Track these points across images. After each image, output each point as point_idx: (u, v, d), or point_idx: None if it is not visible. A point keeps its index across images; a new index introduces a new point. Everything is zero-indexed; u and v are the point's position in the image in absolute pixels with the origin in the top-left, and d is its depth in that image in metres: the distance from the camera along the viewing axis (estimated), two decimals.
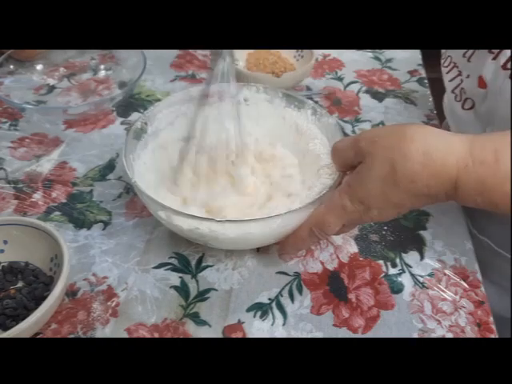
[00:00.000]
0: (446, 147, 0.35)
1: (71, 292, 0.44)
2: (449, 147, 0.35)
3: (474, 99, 0.50)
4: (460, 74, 0.54)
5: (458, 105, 0.53)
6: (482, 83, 0.48)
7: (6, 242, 0.45)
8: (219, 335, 0.42)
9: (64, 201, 0.53)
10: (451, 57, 0.56)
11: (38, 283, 0.43)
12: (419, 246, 0.50)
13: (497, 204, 0.34)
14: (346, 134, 0.62)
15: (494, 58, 0.46)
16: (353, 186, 0.39)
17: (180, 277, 0.46)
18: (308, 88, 0.72)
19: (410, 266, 0.48)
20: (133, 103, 0.68)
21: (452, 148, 0.35)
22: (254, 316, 0.43)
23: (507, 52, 0.45)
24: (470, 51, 0.51)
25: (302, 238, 0.42)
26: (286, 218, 0.40)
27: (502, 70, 0.45)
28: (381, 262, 0.48)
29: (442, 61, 0.59)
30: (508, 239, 0.54)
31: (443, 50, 0.59)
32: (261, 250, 0.49)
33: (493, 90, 0.47)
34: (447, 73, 0.56)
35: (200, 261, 0.48)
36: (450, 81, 0.55)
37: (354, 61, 0.79)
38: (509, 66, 0.45)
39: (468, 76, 0.51)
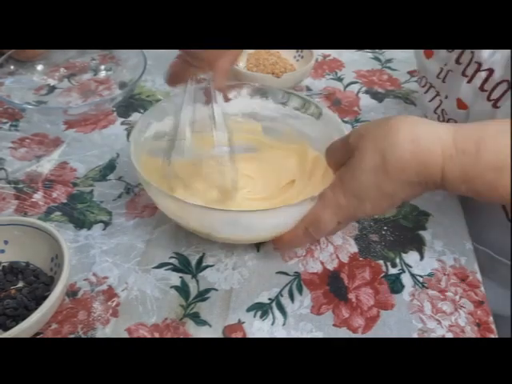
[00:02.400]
0: (433, 136, 0.35)
1: (71, 292, 0.44)
2: (435, 136, 0.35)
3: (456, 120, 0.50)
4: (438, 94, 0.53)
5: None
6: (461, 105, 0.48)
7: (6, 242, 0.45)
8: (219, 335, 0.42)
9: (64, 201, 0.53)
10: (426, 78, 0.56)
11: (38, 283, 0.43)
12: (419, 245, 0.50)
13: (480, 193, 0.35)
14: None
15: (469, 81, 0.46)
16: (345, 180, 0.39)
17: (180, 277, 0.46)
18: (308, 88, 0.72)
19: (410, 266, 0.48)
20: (133, 103, 0.68)
21: (438, 137, 0.35)
22: (254, 316, 0.43)
23: (482, 74, 0.45)
24: (444, 72, 0.51)
25: (297, 237, 0.42)
26: (280, 213, 0.40)
27: (480, 91, 0.45)
28: (381, 261, 0.48)
29: (419, 80, 0.58)
30: (508, 246, 0.53)
31: (417, 70, 0.59)
32: (261, 250, 0.49)
33: (474, 111, 0.47)
34: (425, 93, 0.56)
35: (200, 261, 0.48)
36: (430, 101, 0.55)
37: (354, 61, 0.79)
38: (486, 87, 0.44)
39: (446, 97, 0.51)
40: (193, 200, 0.41)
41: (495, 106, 0.44)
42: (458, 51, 0.48)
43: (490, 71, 0.44)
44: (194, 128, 0.49)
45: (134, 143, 0.46)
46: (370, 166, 0.37)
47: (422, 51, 0.55)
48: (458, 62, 0.48)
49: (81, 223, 0.51)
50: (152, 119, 0.51)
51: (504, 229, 0.53)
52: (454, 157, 0.34)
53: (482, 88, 0.45)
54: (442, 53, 0.51)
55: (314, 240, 0.43)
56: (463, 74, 0.47)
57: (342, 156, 0.41)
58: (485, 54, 0.44)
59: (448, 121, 0.52)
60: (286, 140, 0.55)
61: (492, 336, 0.42)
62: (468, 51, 0.46)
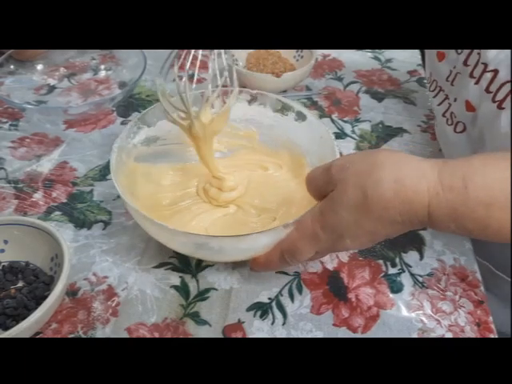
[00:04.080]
0: (417, 174, 0.34)
1: (71, 291, 0.44)
2: (420, 174, 0.34)
3: (464, 122, 0.50)
4: (447, 97, 0.53)
5: (450, 128, 0.52)
6: (469, 107, 0.48)
7: (6, 242, 0.45)
8: (219, 335, 0.42)
9: (64, 200, 0.53)
10: (436, 81, 0.55)
11: (38, 283, 0.43)
12: (419, 245, 0.50)
13: (470, 230, 0.34)
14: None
15: (477, 83, 0.46)
16: (325, 213, 0.37)
17: (180, 276, 0.46)
18: (308, 88, 0.72)
19: (410, 266, 0.48)
20: (133, 103, 0.68)
21: (423, 175, 0.34)
22: (254, 315, 0.43)
23: (487, 75, 0.44)
24: (453, 75, 0.50)
25: (273, 262, 0.41)
26: (251, 239, 0.39)
27: (485, 93, 0.45)
28: (380, 261, 0.48)
29: (428, 85, 0.58)
30: (508, 262, 0.53)
31: (428, 75, 0.58)
32: None
33: (482, 113, 0.46)
34: (434, 97, 0.56)
35: (200, 260, 0.48)
36: (439, 105, 0.55)
37: (354, 61, 0.79)
38: (491, 88, 0.44)
39: (455, 100, 0.51)
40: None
41: (500, 107, 0.43)
42: (466, 53, 0.47)
43: (496, 72, 0.43)
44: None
45: (118, 151, 0.46)
46: (351, 202, 0.35)
47: (434, 54, 0.54)
48: (465, 63, 0.47)
49: (81, 223, 0.51)
50: (142, 124, 0.50)
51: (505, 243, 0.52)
52: (441, 194, 0.33)
53: (487, 89, 0.44)
54: (452, 55, 0.50)
55: (290, 266, 0.41)
56: (471, 75, 0.46)
57: (322, 185, 0.39)
58: (491, 54, 0.43)
59: (457, 124, 0.51)
60: (281, 151, 0.54)
61: (492, 336, 0.42)
62: (475, 52, 0.46)
